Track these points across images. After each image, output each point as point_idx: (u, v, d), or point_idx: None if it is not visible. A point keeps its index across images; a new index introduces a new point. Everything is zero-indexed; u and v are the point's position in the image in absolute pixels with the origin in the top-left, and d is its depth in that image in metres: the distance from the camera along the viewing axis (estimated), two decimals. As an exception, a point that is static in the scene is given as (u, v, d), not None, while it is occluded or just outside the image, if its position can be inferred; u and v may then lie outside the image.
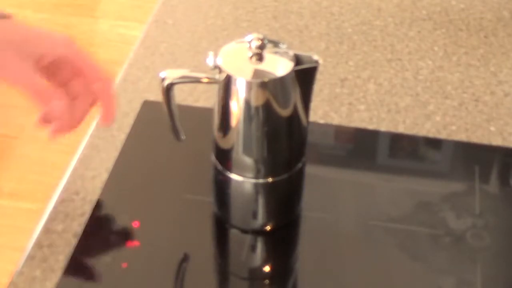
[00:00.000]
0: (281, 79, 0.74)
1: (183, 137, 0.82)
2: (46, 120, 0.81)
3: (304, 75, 0.75)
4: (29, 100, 0.79)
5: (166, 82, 0.78)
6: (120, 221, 0.83)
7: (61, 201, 0.85)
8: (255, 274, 0.81)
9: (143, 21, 1.18)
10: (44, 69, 0.80)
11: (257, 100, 0.74)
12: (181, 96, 0.97)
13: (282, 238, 0.82)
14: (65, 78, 0.82)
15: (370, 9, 1.17)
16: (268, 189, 0.80)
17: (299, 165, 0.81)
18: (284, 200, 0.83)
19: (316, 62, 0.75)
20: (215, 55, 0.76)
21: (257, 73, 0.74)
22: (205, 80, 0.77)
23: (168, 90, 0.78)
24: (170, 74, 0.78)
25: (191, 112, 0.94)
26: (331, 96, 1.00)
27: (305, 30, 1.12)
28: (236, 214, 0.83)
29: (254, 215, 0.82)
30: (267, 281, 0.81)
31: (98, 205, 0.84)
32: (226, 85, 0.75)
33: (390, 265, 0.80)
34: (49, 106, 0.79)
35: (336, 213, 0.85)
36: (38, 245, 0.81)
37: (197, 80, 0.78)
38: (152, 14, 1.15)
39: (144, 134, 0.93)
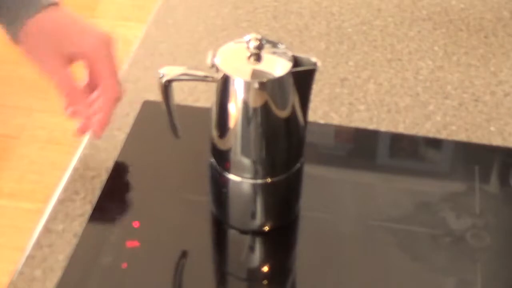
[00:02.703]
0: (279, 80, 0.74)
1: (181, 134, 0.82)
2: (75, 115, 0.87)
3: (303, 77, 0.75)
4: (59, 95, 0.85)
5: (164, 79, 0.78)
6: (120, 221, 0.83)
7: (61, 201, 0.85)
8: (253, 275, 0.81)
9: (143, 21, 1.18)
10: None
11: (254, 101, 0.74)
12: (181, 96, 0.97)
13: (281, 238, 0.82)
14: (93, 74, 0.86)
15: (370, 9, 1.16)
16: (267, 190, 0.80)
17: (297, 165, 0.81)
18: (283, 200, 0.83)
19: (315, 64, 0.75)
20: (213, 54, 0.76)
21: (255, 74, 0.74)
22: (204, 78, 0.77)
23: (166, 87, 0.78)
24: (168, 71, 0.78)
25: (191, 112, 0.94)
26: (331, 96, 1.00)
27: (305, 30, 1.12)
28: (235, 214, 0.83)
29: (253, 215, 0.82)
30: (265, 282, 0.81)
31: (96, 208, 0.84)
32: (224, 85, 0.75)
33: (390, 265, 0.80)
34: (76, 106, 0.85)
35: (336, 213, 0.85)
36: (38, 245, 0.81)
37: (195, 78, 0.78)
38: (152, 14, 1.14)
39: (144, 134, 0.93)
